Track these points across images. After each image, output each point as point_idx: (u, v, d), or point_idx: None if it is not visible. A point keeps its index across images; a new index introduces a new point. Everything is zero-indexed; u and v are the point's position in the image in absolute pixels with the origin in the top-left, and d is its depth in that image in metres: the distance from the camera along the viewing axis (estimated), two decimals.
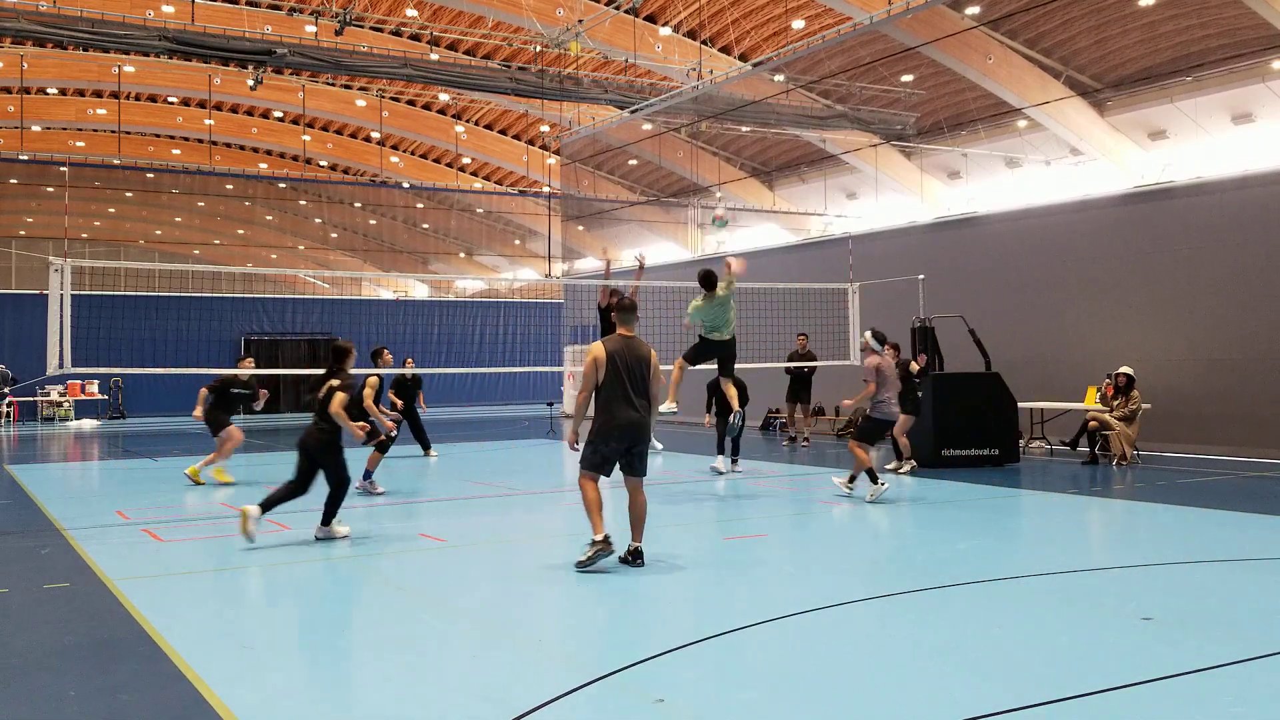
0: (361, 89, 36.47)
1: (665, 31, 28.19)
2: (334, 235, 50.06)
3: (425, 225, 48.17)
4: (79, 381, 27.51)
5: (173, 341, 25.51)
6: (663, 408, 11.18)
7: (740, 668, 5.06)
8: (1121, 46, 23.77)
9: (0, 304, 27.98)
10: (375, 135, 41.10)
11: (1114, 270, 16.10)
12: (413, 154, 44.45)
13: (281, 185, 43.18)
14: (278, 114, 40.63)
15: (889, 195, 30.40)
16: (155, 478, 13.91)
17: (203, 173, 38.85)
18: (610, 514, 9.41)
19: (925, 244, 19.48)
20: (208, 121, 38.96)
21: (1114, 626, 5.70)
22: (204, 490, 11.99)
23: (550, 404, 24.48)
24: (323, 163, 46.11)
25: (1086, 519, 10.07)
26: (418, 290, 45.58)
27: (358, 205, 46.29)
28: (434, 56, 28.36)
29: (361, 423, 9.55)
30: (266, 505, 8.26)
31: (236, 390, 12.58)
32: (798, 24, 26.85)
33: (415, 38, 30.67)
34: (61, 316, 10.72)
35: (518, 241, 47.19)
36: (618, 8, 24.36)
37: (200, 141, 41.75)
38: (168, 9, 24.90)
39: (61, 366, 10.77)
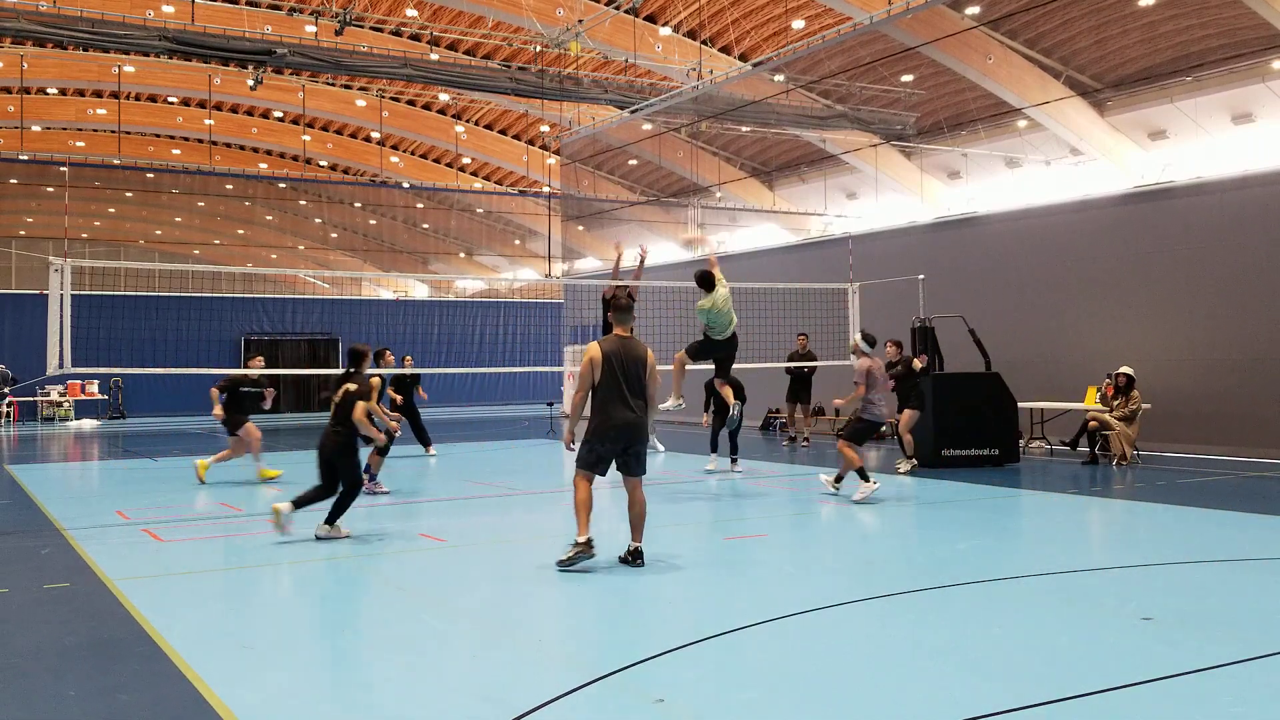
0: (361, 89, 36.47)
1: (665, 31, 28.19)
2: (334, 235, 50.07)
3: (425, 225, 48.18)
4: (79, 381, 27.51)
5: (173, 341, 25.51)
6: (667, 404, 11.24)
7: (740, 668, 5.05)
8: (1121, 46, 23.77)
9: (0, 304, 27.99)
10: (375, 135, 41.10)
11: (1114, 270, 16.10)
12: (413, 154, 44.45)
13: (281, 185, 43.19)
14: (278, 114, 40.63)
15: (889, 195, 30.41)
16: (155, 478, 13.91)
17: (203, 173, 38.86)
18: (610, 514, 9.43)
19: (925, 244, 19.48)
20: (208, 121, 38.96)
21: (1114, 626, 5.70)
22: (204, 490, 11.99)
23: (550, 404, 24.49)
24: (323, 163, 46.12)
25: (1086, 519, 10.07)
26: (418, 290, 45.58)
27: (358, 205, 46.31)
28: (434, 56, 28.37)
29: (377, 428, 9.72)
30: (299, 503, 8.48)
31: (246, 389, 12.63)
32: (798, 24, 26.86)
33: (415, 38, 30.67)
34: (61, 316, 10.72)
35: (518, 241, 47.20)
36: (618, 8, 24.36)
37: (200, 141, 41.76)
38: (168, 9, 24.90)
39: (61, 366, 10.76)
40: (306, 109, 36.75)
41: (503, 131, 40.57)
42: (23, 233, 46.25)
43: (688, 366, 11.33)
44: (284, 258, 50.22)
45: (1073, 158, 26.30)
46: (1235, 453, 14.29)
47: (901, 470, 13.05)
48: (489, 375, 33.44)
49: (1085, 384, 15.48)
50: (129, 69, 32.97)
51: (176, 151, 44.05)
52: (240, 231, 50.23)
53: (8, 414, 25.86)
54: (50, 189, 36.66)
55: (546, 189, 38.52)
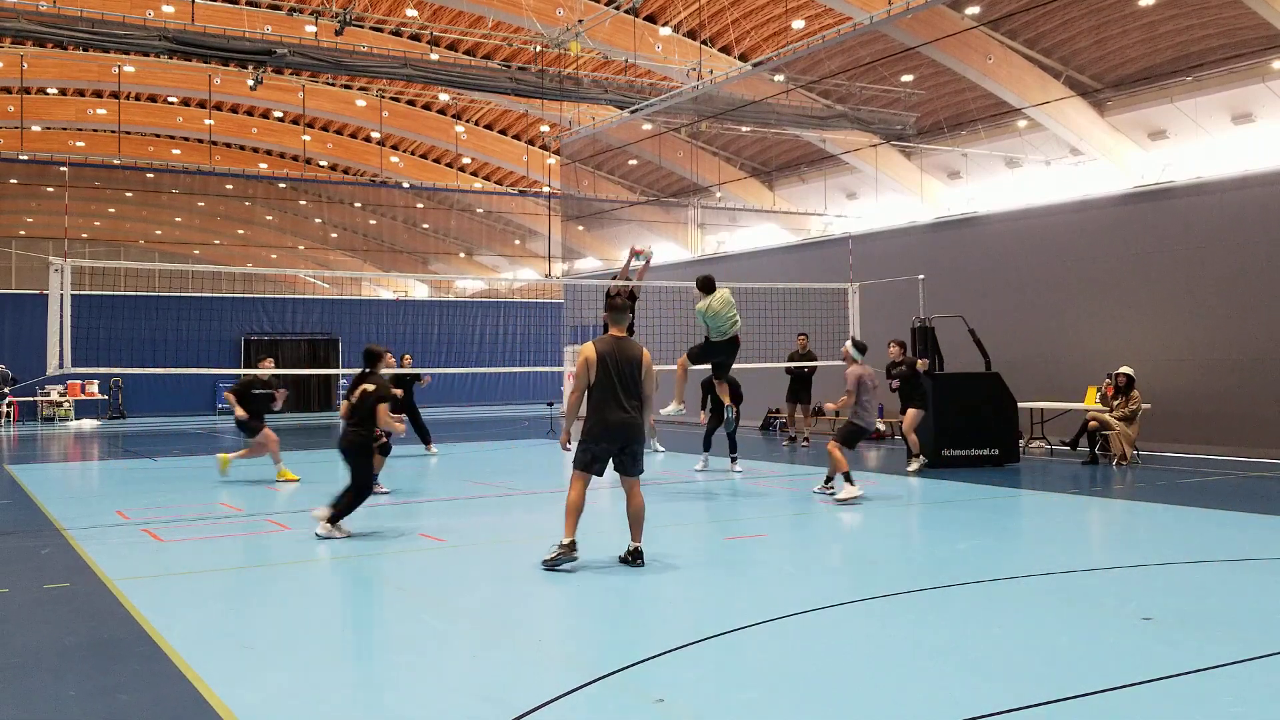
0: (361, 89, 36.48)
1: (665, 31, 28.20)
2: (334, 235, 50.07)
3: (425, 225, 48.18)
4: (79, 381, 27.51)
5: (173, 341, 25.50)
6: (668, 410, 11.28)
7: (740, 668, 5.05)
8: (1121, 46, 23.78)
9: (0, 304, 27.99)
10: (375, 135, 41.10)
11: (1114, 270, 16.10)
12: (413, 154, 44.46)
13: (281, 185, 43.18)
14: (278, 114, 40.63)
15: (889, 195, 30.41)
16: (155, 478, 13.91)
17: (203, 173, 38.86)
18: (611, 514, 9.43)
19: (925, 244, 19.48)
20: (208, 121, 38.96)
21: (1114, 626, 5.70)
22: (204, 490, 12.00)
23: (550, 404, 24.48)
24: (323, 163, 46.12)
25: (1086, 519, 10.06)
26: (418, 290, 45.58)
27: (358, 205, 46.30)
28: (434, 56, 28.37)
29: (399, 416, 10.02)
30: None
31: (258, 391, 12.68)
32: (798, 24, 26.86)
33: (415, 38, 30.67)
34: (61, 316, 10.72)
35: (518, 241, 47.20)
36: (618, 8, 24.36)
37: (200, 141, 41.76)
38: (168, 9, 24.91)
39: (61, 366, 10.77)
40: (306, 109, 36.75)
41: (503, 131, 40.57)
42: (23, 233, 46.25)
43: (689, 369, 11.36)
44: (284, 258, 50.22)
45: (1073, 158, 26.30)
46: (1235, 453, 14.28)
47: (911, 470, 13.07)
48: (489, 375, 33.45)
49: (1085, 384, 15.48)
50: (129, 69, 32.98)
51: (176, 151, 44.05)
52: (240, 231, 50.23)
53: (8, 414, 25.86)
54: (50, 189, 36.65)
55: (546, 189, 38.52)
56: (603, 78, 28.61)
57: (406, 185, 43.87)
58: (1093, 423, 13.90)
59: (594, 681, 4.75)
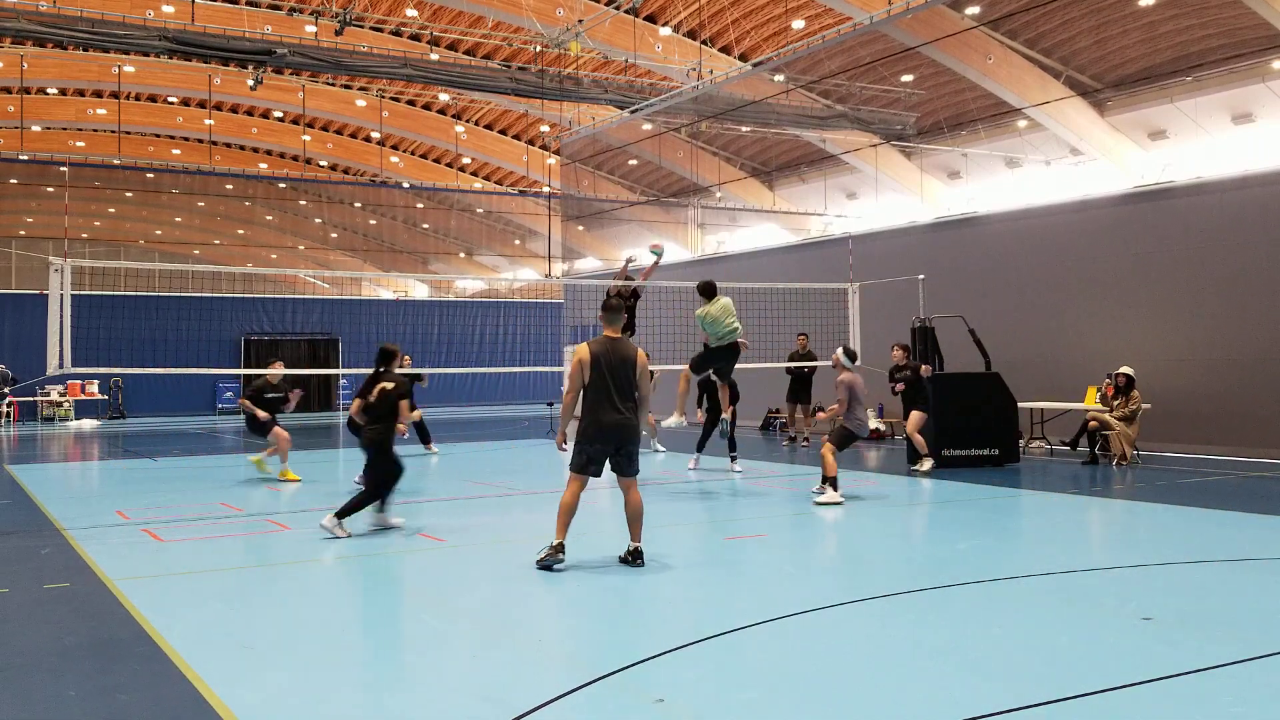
0: (361, 89, 36.47)
1: (665, 31, 28.20)
2: (334, 235, 50.07)
3: (425, 225, 48.18)
4: (79, 381, 27.51)
5: (173, 341, 25.52)
6: (670, 421, 11.32)
7: (740, 668, 5.05)
8: (1121, 46, 23.78)
9: (0, 304, 27.99)
10: (375, 135, 41.10)
11: (1114, 270, 16.10)
12: (413, 154, 44.46)
13: (281, 185, 43.18)
14: (278, 114, 40.63)
15: (889, 195, 30.42)
16: (155, 478, 13.91)
17: (203, 173, 38.86)
18: (610, 514, 9.43)
19: (925, 244, 19.47)
20: (208, 121, 38.96)
21: (1114, 626, 5.69)
22: (204, 490, 12.01)
23: (550, 404, 24.48)
24: (323, 163, 46.12)
25: (1086, 519, 10.06)
26: (418, 290, 45.59)
27: (358, 205, 46.30)
28: (434, 56, 28.38)
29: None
30: (380, 506, 8.98)
31: (270, 395, 12.77)
32: (798, 24, 26.87)
33: (415, 38, 30.67)
34: (61, 316, 10.71)
35: (518, 241, 47.20)
36: (618, 8, 24.36)
37: (200, 141, 41.76)
38: (168, 9, 24.91)
39: (61, 366, 10.76)
40: (306, 109, 36.76)
41: (503, 131, 40.57)
42: (23, 233, 46.25)
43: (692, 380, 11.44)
44: (284, 258, 50.23)
45: (1073, 158, 26.31)
46: (1235, 453, 14.28)
47: (924, 469, 13.06)
48: (489, 375, 33.45)
49: (1085, 384, 15.48)
50: (129, 69, 32.98)
51: (176, 151, 44.05)
52: (240, 231, 50.22)
53: (8, 414, 25.85)
54: (50, 189, 36.66)
55: (546, 189, 38.52)
56: (603, 78, 28.61)
57: (406, 185, 43.87)
58: (1093, 423, 13.90)
59: (594, 681, 4.75)
